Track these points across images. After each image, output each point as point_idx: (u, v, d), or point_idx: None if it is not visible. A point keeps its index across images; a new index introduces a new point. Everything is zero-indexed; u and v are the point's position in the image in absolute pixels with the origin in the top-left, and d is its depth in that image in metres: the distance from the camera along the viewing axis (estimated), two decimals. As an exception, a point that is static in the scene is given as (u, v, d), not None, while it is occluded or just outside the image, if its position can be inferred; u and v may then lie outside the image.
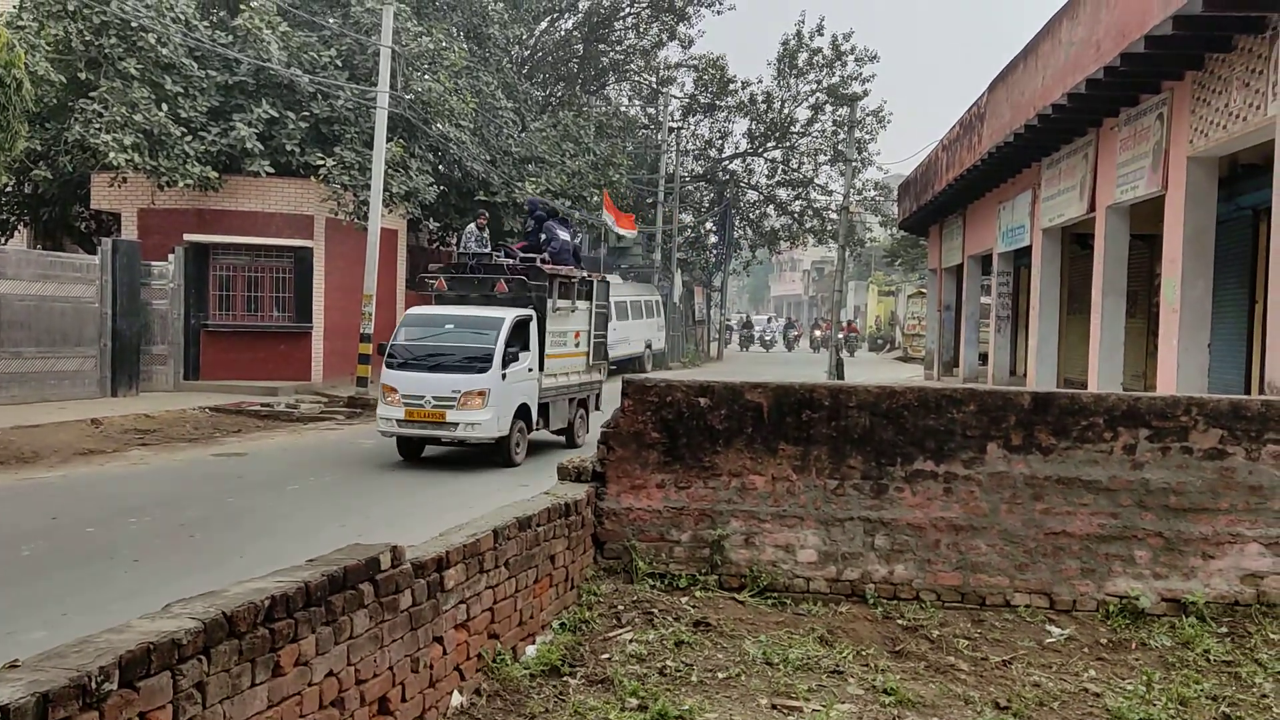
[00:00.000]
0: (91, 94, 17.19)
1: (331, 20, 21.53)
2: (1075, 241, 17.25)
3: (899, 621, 5.89)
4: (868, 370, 34.03)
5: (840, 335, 32.01)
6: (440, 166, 23.90)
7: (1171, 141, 10.63)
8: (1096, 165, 13.19)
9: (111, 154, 16.81)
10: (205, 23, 19.22)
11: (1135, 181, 11.65)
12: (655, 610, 5.81)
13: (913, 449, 6.24)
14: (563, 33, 36.08)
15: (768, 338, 53.07)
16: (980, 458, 6.17)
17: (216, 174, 18.84)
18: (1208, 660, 5.30)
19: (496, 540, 5.04)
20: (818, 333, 47.38)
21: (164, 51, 17.51)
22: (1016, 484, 6.13)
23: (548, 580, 5.69)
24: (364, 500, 10.36)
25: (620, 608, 5.88)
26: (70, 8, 16.75)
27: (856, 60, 39.41)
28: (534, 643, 5.35)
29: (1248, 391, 11.75)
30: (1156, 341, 12.49)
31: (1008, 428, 6.15)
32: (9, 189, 20.13)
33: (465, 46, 24.38)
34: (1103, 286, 12.86)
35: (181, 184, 18.23)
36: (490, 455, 12.71)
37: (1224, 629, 5.70)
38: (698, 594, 6.16)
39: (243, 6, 19.89)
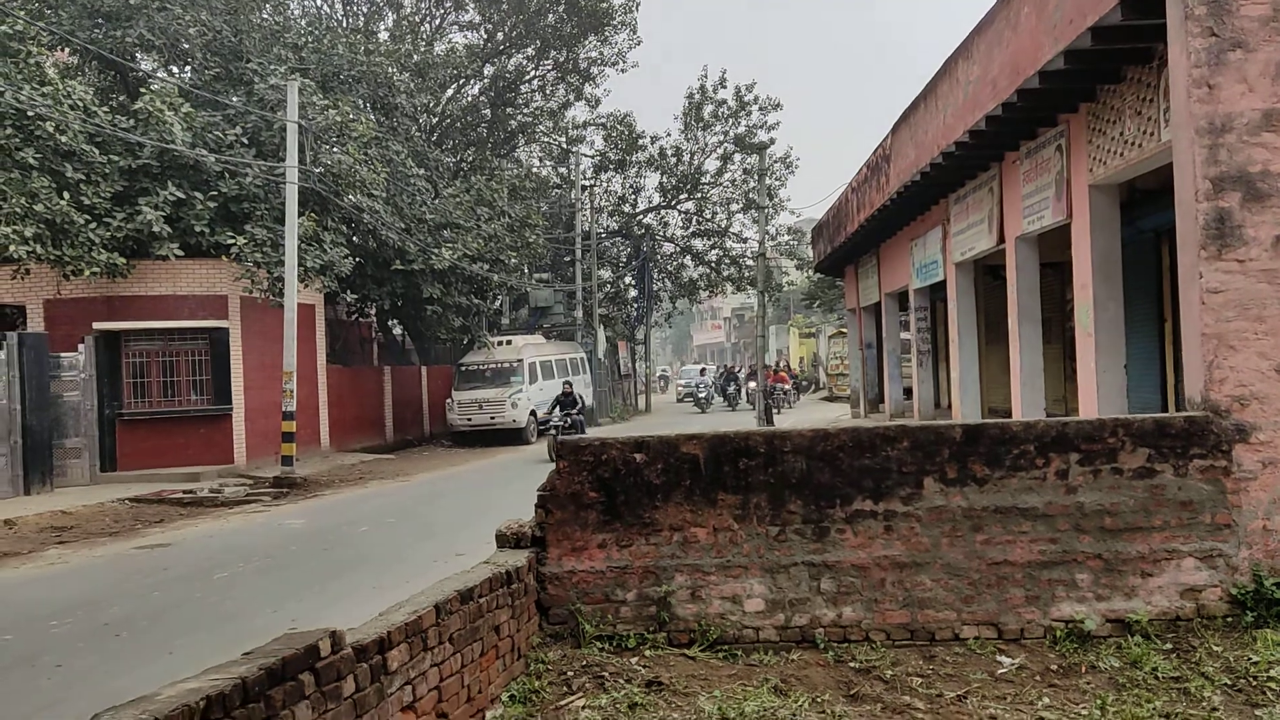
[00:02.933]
0: (-12, 186, 16.67)
1: (235, 98, 21.29)
2: (988, 273, 17.71)
3: (851, 665, 5.85)
4: (795, 412, 34.36)
5: (770, 385, 28.63)
6: (355, 238, 23.69)
7: (1072, 171, 11.02)
8: (1002, 198, 13.60)
9: (12, 247, 16.27)
10: (105, 108, 18.84)
11: (1041, 212, 12.02)
12: (606, 674, 5.68)
13: (851, 489, 6.25)
14: (470, 99, 36.27)
15: (701, 394, 41.42)
16: (918, 493, 6.20)
17: (124, 260, 18.38)
18: (1156, 678, 5.35)
19: (439, 616, 4.89)
20: (752, 384, 35.01)
21: (63, 139, 17.09)
22: (955, 517, 6.17)
23: (494, 652, 5.53)
24: (297, 583, 10.01)
25: (570, 674, 5.74)
26: (-39, 99, 16.30)
27: (760, 109, 40.44)
28: (484, 718, 5.18)
29: (1165, 407, 12.12)
30: (1074, 366, 12.81)
31: (942, 461, 6.20)
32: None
33: (373, 117, 24.34)
34: (1018, 316, 13.18)
35: (88, 272, 17.73)
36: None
37: (1169, 645, 5.77)
38: (647, 653, 6.05)
39: (143, 90, 19.58)
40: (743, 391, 41.22)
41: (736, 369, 48.61)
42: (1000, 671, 5.65)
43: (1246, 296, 6.17)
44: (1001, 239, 13.68)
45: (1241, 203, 6.21)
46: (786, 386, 37.86)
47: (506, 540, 6.45)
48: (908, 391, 23.05)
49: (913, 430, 6.35)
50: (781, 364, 48.72)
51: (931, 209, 17.46)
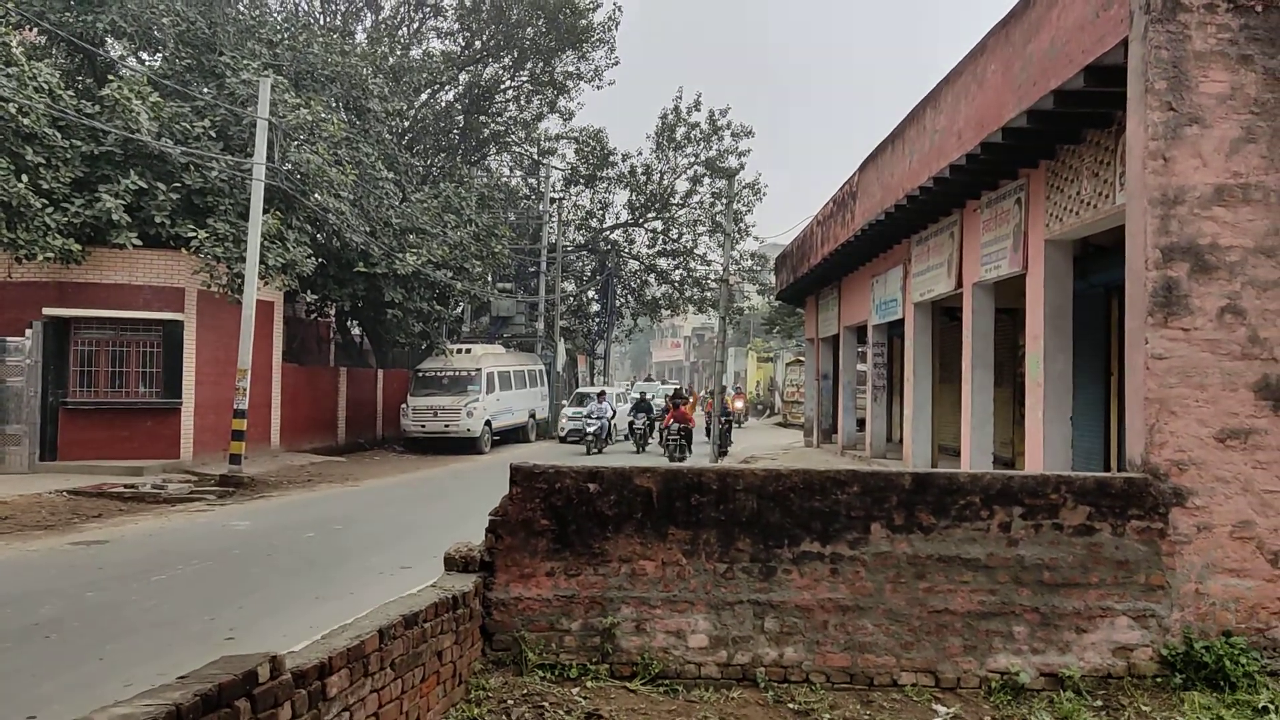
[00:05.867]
0: (-56, 165, 16.35)
1: (205, 91, 21.07)
2: (944, 313, 17.96)
3: (790, 705, 5.89)
4: (749, 437, 34.51)
5: (723, 417, 25.48)
6: (319, 237, 23.48)
7: (1030, 225, 11.24)
8: (962, 244, 13.82)
9: (-36, 227, 15.97)
10: (70, 91, 18.55)
11: (999, 261, 12.24)
12: (546, 704, 5.68)
13: (799, 531, 6.31)
14: (443, 105, 36.19)
15: (592, 428, 28.35)
16: (865, 538, 6.28)
17: (79, 246, 18.08)
18: (1085, 734, 5.45)
19: (382, 641, 4.87)
20: (672, 422, 25.83)
21: (25, 121, 16.80)
22: (900, 563, 6.25)
23: (435, 678, 5.51)
24: (237, 589, 9.88)
25: (510, 703, 5.73)
26: (-77, 76, 15.98)
27: (733, 135, 40.77)
28: (421, 747, 5.15)
29: (1107, 458, 12.35)
30: (1023, 410, 13.02)
31: (890, 508, 6.29)
32: None
33: (344, 118, 24.18)
34: (971, 360, 13.38)
35: (41, 257, 17.42)
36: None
37: (1099, 702, 5.89)
38: (589, 684, 6.06)
39: (111, 76, 19.31)
40: (657, 429, 29.14)
41: (685, 389, 35.80)
42: (935, 720, 5.73)
43: (1190, 364, 6.34)
44: (960, 284, 13.90)
45: (1190, 273, 6.39)
46: (736, 415, 32.30)
47: (455, 564, 6.42)
48: (861, 423, 23.25)
49: (863, 475, 6.44)
50: (734, 388, 46.69)
51: (894, 248, 17.69)
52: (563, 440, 30.61)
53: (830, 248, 19.63)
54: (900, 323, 17.98)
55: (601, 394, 30.09)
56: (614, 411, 30.17)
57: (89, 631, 8.25)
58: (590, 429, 28.29)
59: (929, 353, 16.84)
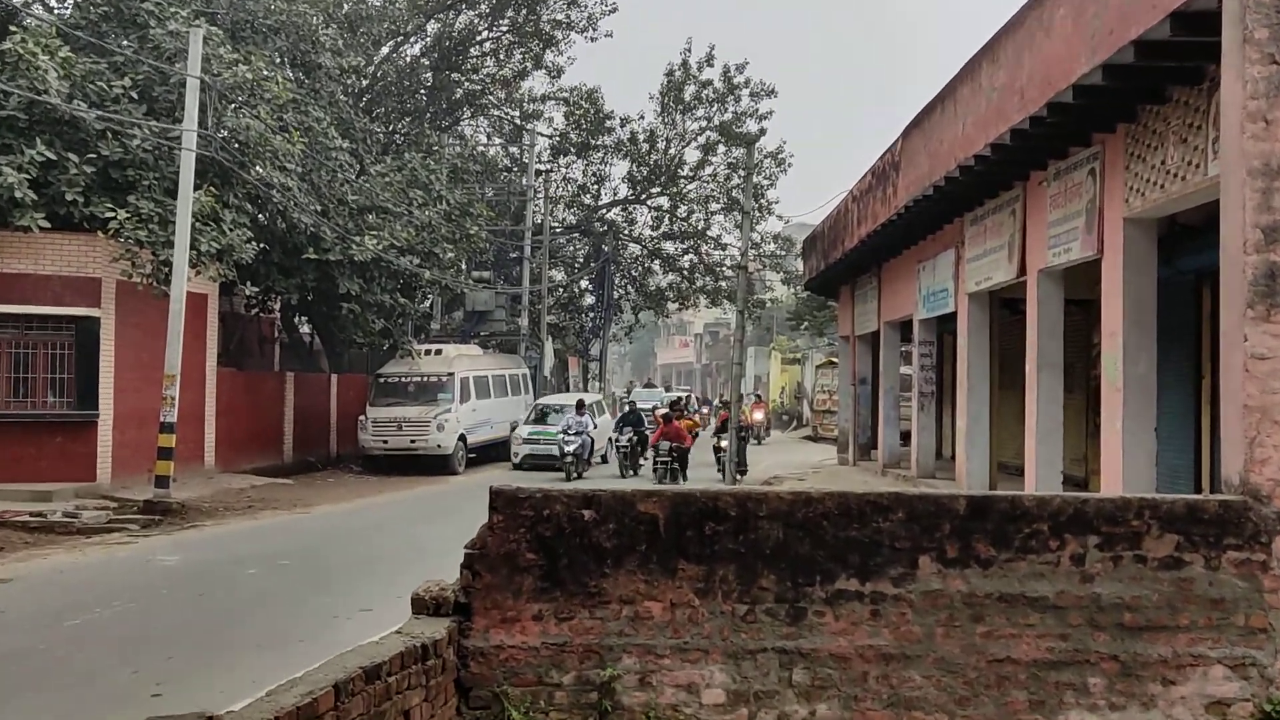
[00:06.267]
0: None
1: (125, 44, 21.10)
2: (1004, 306, 17.98)
3: (824, 773, 5.90)
4: (773, 453, 34.56)
5: (741, 427, 26.18)
6: (261, 218, 23.52)
7: (1106, 200, 11.24)
8: (1025, 224, 13.83)
9: None
10: (-35, 45, 18.58)
11: (1069, 243, 12.25)
12: (533, 772, 5.70)
13: (834, 565, 6.31)
14: (408, 60, 36.25)
15: (571, 448, 26.70)
16: (912, 574, 6.28)
17: (-24, 230, 18.12)
18: (1175, 806, 5.45)
19: (338, 698, 4.88)
20: (662, 440, 25.48)
21: (-90, 81, 16.85)
22: (954, 603, 6.25)
23: (401, 742, 5.52)
24: (166, 636, 9.91)
25: (490, 771, 5.74)
26: None
27: (752, 95, 40.82)
28: (385, 824, 5.16)
29: (1197, 478, 12.37)
30: (1098, 420, 13.01)
31: (941, 538, 6.28)
32: None
33: (291, 77, 24.23)
34: (1037, 360, 13.39)
35: (-69, 242, 17.46)
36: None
37: (1190, 768, 5.89)
38: (584, 749, 6.07)
39: (12, 27, 19.35)
40: (649, 446, 27.00)
41: (695, 398, 36.32)
42: (995, 789, 5.73)
43: (1298, 366, 6.34)
44: (1023, 270, 13.91)
45: (1297, 258, 6.38)
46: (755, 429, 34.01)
47: (424, 606, 6.42)
48: (906, 437, 23.27)
49: (909, 499, 6.44)
50: (755, 395, 46.99)
51: (944, 228, 17.71)
52: (517, 467, 28.82)
53: (868, 227, 19.65)
54: (952, 317, 17.99)
55: (580, 404, 28.57)
56: (596, 426, 29.08)
57: (-10, 687, 8.27)
58: (570, 448, 26.66)
59: (986, 353, 16.85)
